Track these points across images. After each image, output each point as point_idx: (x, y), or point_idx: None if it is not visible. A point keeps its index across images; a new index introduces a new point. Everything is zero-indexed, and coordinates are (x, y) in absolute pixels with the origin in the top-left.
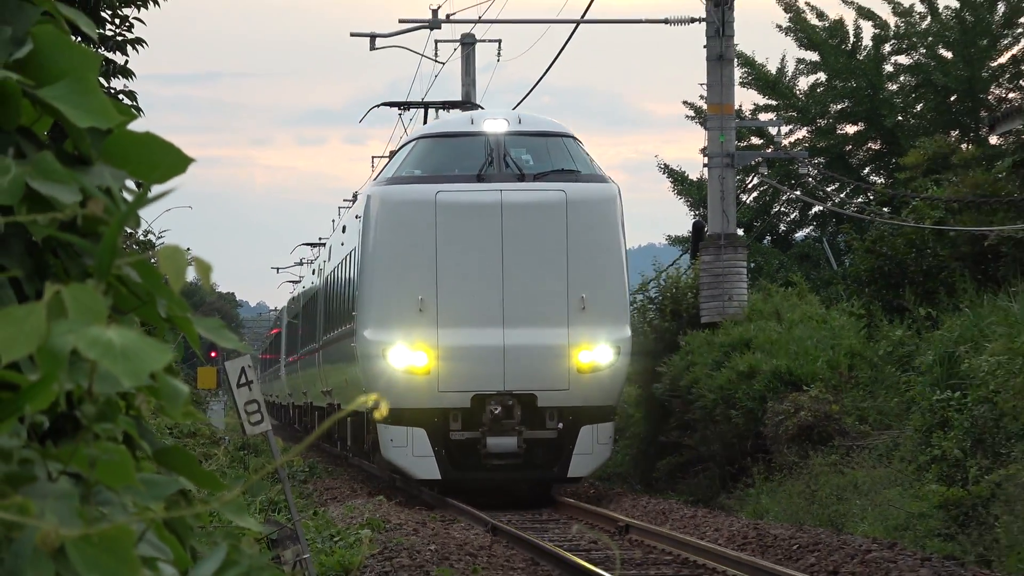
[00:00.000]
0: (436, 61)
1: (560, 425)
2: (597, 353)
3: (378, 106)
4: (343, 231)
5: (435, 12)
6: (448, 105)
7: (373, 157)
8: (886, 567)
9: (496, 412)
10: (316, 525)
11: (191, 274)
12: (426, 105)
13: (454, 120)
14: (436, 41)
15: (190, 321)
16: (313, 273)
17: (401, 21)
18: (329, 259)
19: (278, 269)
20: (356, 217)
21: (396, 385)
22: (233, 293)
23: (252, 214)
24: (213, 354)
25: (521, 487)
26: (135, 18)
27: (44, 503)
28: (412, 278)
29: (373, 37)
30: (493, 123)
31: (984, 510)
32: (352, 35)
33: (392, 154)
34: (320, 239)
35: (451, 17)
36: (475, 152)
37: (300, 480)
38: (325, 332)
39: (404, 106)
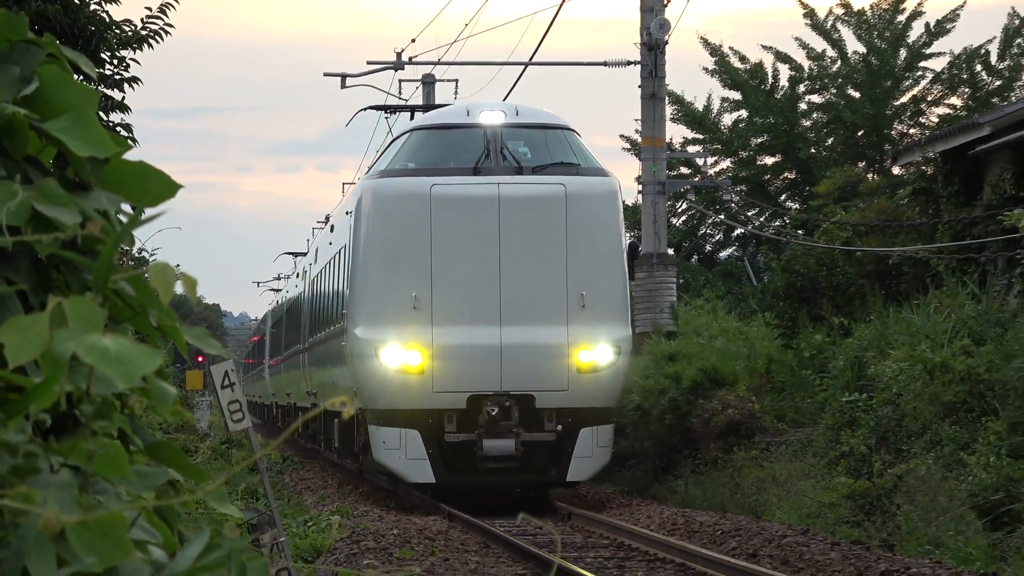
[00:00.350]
0: (400, 98)
1: (559, 427)
2: (597, 353)
3: (365, 109)
4: (331, 230)
5: (399, 55)
6: (436, 108)
7: (344, 184)
8: (800, 550)
9: (493, 413)
10: (291, 512)
11: (179, 288)
12: (412, 108)
13: (449, 111)
14: (400, 81)
15: (178, 330)
16: (297, 276)
17: (369, 63)
18: (315, 261)
19: (259, 283)
20: (347, 213)
21: (389, 385)
22: (218, 304)
23: (236, 233)
24: (200, 359)
25: (518, 492)
26: (131, 59)
27: (46, 492)
28: (406, 274)
29: (344, 77)
30: (490, 114)
31: (887, 500)
32: (325, 75)
33: (385, 147)
34: (302, 251)
35: (413, 59)
36: (471, 144)
37: (277, 471)
38: (311, 333)
39: (391, 110)
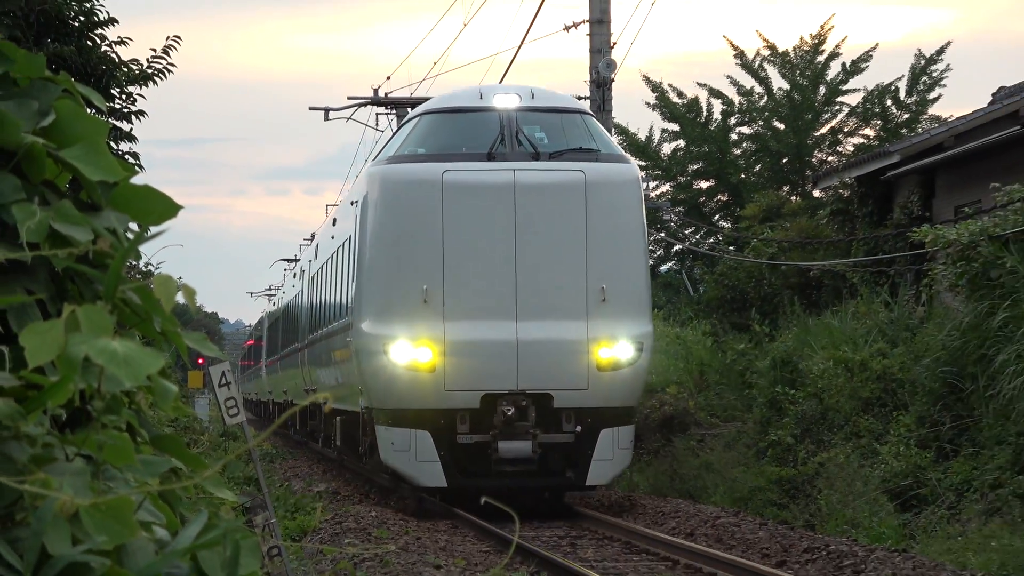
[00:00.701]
0: (377, 130)
1: (578, 428)
2: (618, 349)
3: (363, 104)
4: (333, 224)
5: (376, 91)
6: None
7: (327, 205)
8: (732, 530)
9: (509, 413)
10: (281, 496)
11: (180, 297)
12: (413, 103)
13: (461, 94)
14: (377, 114)
15: (179, 335)
16: (295, 277)
17: (349, 98)
18: (315, 257)
19: (252, 293)
20: (352, 203)
21: (398, 383)
22: (216, 312)
23: (231, 249)
24: (200, 360)
25: (532, 496)
26: (138, 94)
27: (62, 478)
28: (416, 266)
29: (327, 110)
30: (504, 98)
31: (809, 485)
32: (310, 109)
33: (393, 133)
34: (295, 259)
35: (388, 95)
36: (485, 129)
37: (268, 460)
38: (311, 331)
39: (391, 105)
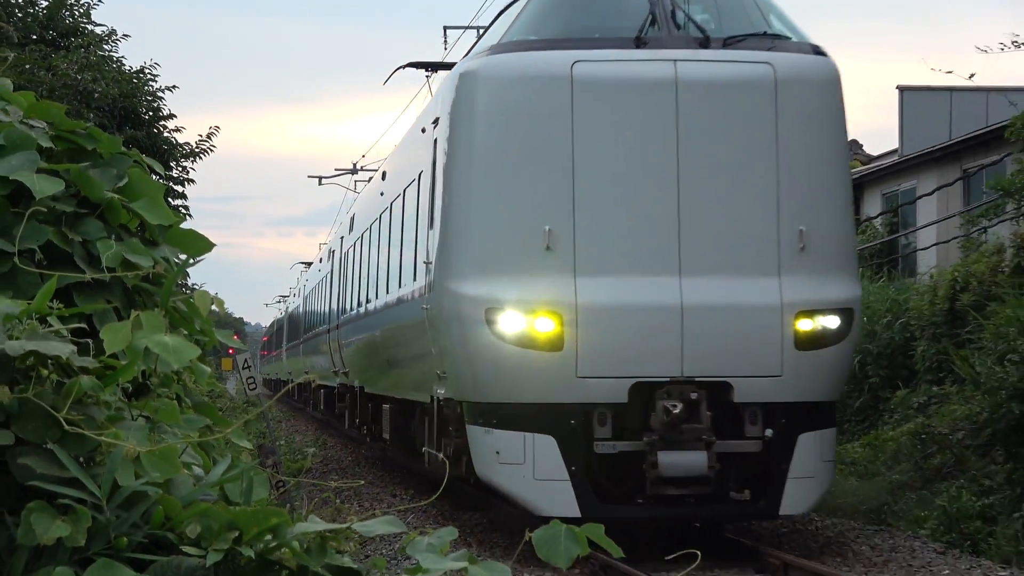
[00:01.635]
0: (355, 192)
1: (768, 432)
2: (824, 319)
3: (345, 173)
4: (383, 178)
5: (354, 164)
6: None
7: (320, 244)
8: None
9: (673, 411)
10: (285, 445)
11: (215, 307)
12: (451, 65)
13: None
14: (355, 181)
15: (213, 332)
16: (320, 261)
17: (336, 169)
18: (350, 231)
19: (267, 304)
20: (423, 131)
21: (507, 367)
22: (241, 317)
23: (252, 274)
24: (231, 351)
25: (677, 526)
26: (190, 167)
27: (128, 432)
28: (534, 199)
29: (320, 178)
30: None
31: None
32: (308, 176)
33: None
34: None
35: (364, 168)
36: (629, 5)
37: (277, 421)
38: (345, 310)
39: (432, 67)
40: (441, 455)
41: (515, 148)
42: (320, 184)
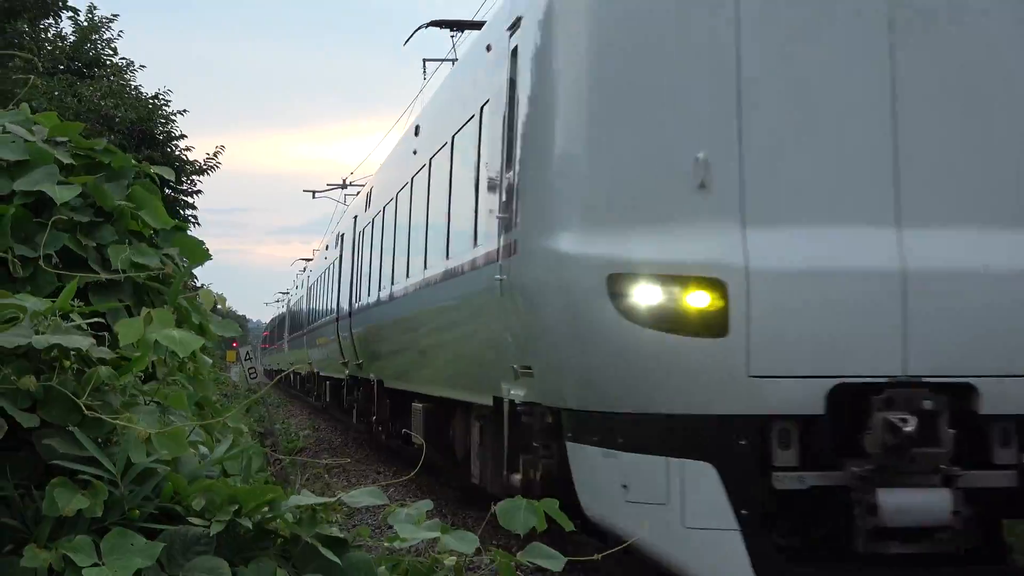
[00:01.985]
0: (344, 205)
1: None
2: None
3: (336, 188)
4: (415, 133)
5: (344, 180)
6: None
7: (314, 250)
8: None
9: (903, 429)
10: (282, 427)
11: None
12: (479, 25)
13: None
14: (345, 195)
15: (211, 327)
16: (326, 249)
17: (328, 184)
18: (367, 207)
19: (267, 303)
20: (491, 47)
21: (639, 360)
22: (244, 315)
23: (254, 277)
24: (235, 344)
25: None
26: (199, 181)
27: (140, 416)
28: (676, 116)
29: (314, 192)
30: None
31: None
32: (303, 190)
33: None
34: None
35: (353, 183)
36: None
37: (274, 406)
38: (358, 297)
39: (456, 26)
40: (421, 439)
41: (650, 43)
42: (314, 197)
